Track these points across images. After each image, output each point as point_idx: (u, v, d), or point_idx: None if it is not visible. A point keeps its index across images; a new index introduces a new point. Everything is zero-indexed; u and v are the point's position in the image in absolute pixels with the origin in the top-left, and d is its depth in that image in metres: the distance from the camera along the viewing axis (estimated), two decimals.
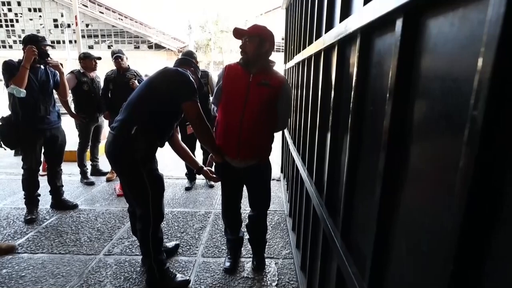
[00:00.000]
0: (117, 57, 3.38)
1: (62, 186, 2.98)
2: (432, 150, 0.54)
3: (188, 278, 1.90)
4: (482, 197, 0.40)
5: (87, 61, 3.42)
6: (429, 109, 0.54)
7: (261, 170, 1.86)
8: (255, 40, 1.66)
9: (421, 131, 0.58)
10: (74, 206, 2.92)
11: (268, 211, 2.02)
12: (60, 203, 2.91)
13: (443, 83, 0.49)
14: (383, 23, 0.72)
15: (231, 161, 1.81)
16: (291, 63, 2.84)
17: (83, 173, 3.66)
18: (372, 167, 0.78)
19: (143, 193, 1.68)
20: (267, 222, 2.09)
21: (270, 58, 1.78)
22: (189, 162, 2.03)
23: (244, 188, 1.97)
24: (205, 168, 1.97)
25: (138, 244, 2.15)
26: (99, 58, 3.51)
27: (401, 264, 0.64)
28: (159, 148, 1.77)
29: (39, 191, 2.76)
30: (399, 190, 0.65)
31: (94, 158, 3.89)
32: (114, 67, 3.49)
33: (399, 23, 0.62)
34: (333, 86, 1.17)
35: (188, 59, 1.93)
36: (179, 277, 1.87)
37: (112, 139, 1.63)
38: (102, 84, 3.62)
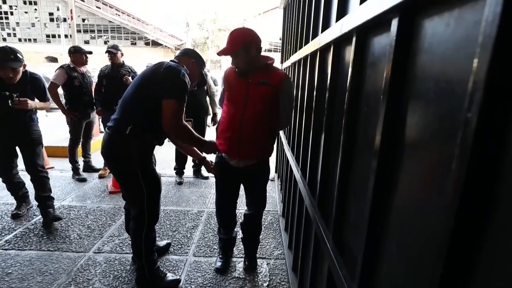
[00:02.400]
0: (108, 51, 3.34)
1: (50, 196, 2.55)
2: (426, 152, 0.53)
3: (178, 277, 1.88)
4: (474, 201, 0.39)
5: (77, 55, 3.33)
6: (423, 111, 0.53)
7: (260, 171, 1.84)
8: (240, 53, 1.62)
9: (414, 133, 0.57)
10: (56, 219, 2.47)
11: None
12: (46, 218, 2.46)
13: (437, 84, 0.48)
14: (379, 23, 0.72)
15: (230, 160, 1.79)
16: (288, 63, 2.83)
17: (75, 169, 3.60)
18: (365, 169, 0.77)
19: (137, 193, 1.65)
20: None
21: (268, 55, 1.77)
22: (191, 154, 1.99)
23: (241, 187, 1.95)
24: (207, 160, 1.95)
25: (130, 242, 2.12)
26: (90, 53, 3.43)
27: (391, 267, 0.64)
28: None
29: (27, 187, 2.67)
30: (392, 192, 0.64)
31: (86, 154, 3.82)
32: (109, 63, 3.45)
33: (394, 23, 0.61)
34: (328, 87, 1.16)
35: (191, 50, 1.88)
36: (170, 276, 1.85)
37: (107, 138, 1.60)
38: (95, 79, 3.57)
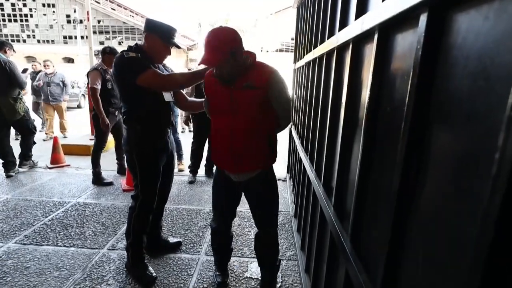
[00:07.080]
0: None
1: None
2: (458, 153, 0.50)
3: (155, 275, 1.88)
4: None
5: (112, 57, 3.10)
6: (455, 110, 0.50)
7: (262, 182, 1.60)
8: (229, 61, 1.38)
9: (444, 132, 0.54)
10: None
11: None
12: None
13: (473, 82, 0.45)
14: (405, 19, 0.69)
15: (229, 174, 1.60)
16: (301, 62, 2.80)
17: (97, 174, 3.40)
18: (388, 169, 0.75)
19: (134, 175, 1.82)
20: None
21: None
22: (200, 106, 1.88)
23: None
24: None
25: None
26: None
27: (417, 275, 0.61)
28: None
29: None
30: (417, 195, 0.61)
31: (120, 157, 3.74)
32: None
33: (423, 19, 0.58)
34: (346, 85, 1.13)
35: (146, 22, 1.76)
36: (150, 271, 1.89)
37: None
38: None
